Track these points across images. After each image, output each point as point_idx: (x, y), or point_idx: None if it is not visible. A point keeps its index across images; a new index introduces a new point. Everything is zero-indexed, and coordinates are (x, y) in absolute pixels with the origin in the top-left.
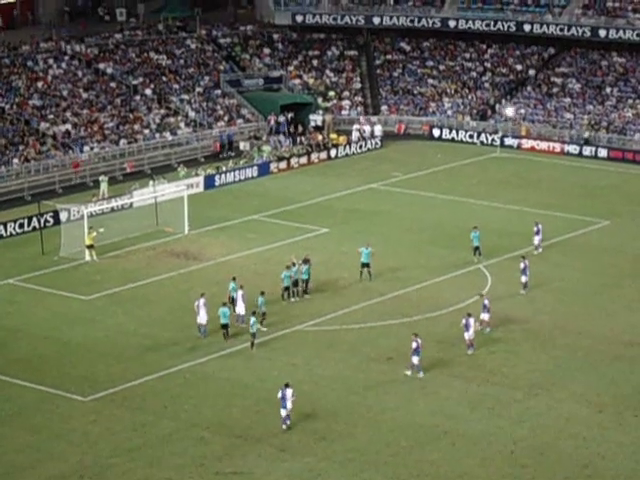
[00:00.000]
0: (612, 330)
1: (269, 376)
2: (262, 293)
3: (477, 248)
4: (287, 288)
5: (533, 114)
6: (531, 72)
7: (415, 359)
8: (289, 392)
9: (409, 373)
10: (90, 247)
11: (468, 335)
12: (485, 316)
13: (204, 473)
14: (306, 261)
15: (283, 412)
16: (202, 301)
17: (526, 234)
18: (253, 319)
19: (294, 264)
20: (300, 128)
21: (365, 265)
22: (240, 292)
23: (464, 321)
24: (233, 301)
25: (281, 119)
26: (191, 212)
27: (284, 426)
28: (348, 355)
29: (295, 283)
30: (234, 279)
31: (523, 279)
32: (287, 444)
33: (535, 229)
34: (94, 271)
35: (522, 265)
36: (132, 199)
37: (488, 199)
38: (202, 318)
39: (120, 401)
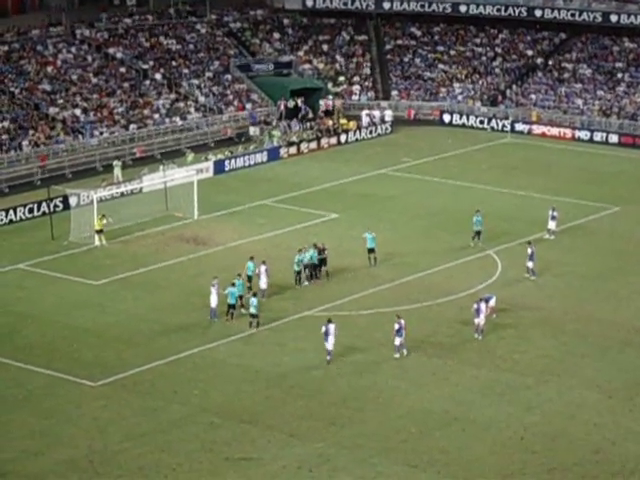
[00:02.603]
0: (622, 316)
1: (279, 361)
2: (239, 275)
3: (478, 232)
4: (299, 272)
5: (544, 100)
6: (541, 58)
7: (397, 340)
8: (332, 327)
9: (397, 356)
10: (100, 232)
11: (478, 320)
12: (491, 302)
13: (213, 458)
14: (320, 250)
15: (326, 345)
16: (212, 284)
17: (536, 220)
18: (253, 299)
19: (301, 250)
20: (310, 113)
21: (371, 250)
22: (263, 267)
23: (475, 306)
24: (250, 280)
25: (290, 104)
26: (201, 197)
27: (327, 359)
28: (358, 340)
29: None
30: (252, 258)
31: (530, 265)
32: (296, 430)
33: (551, 214)
34: (104, 256)
35: (529, 251)
36: (142, 184)
37: (498, 185)
38: (213, 301)
39: (130, 386)
